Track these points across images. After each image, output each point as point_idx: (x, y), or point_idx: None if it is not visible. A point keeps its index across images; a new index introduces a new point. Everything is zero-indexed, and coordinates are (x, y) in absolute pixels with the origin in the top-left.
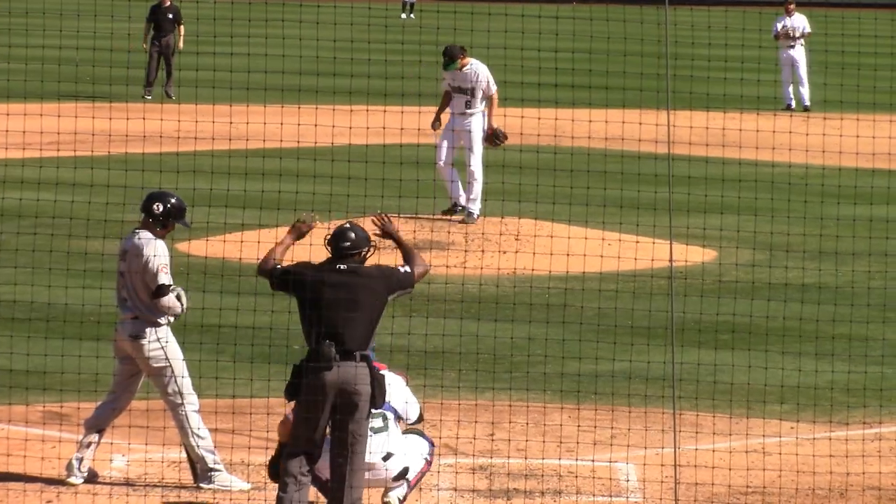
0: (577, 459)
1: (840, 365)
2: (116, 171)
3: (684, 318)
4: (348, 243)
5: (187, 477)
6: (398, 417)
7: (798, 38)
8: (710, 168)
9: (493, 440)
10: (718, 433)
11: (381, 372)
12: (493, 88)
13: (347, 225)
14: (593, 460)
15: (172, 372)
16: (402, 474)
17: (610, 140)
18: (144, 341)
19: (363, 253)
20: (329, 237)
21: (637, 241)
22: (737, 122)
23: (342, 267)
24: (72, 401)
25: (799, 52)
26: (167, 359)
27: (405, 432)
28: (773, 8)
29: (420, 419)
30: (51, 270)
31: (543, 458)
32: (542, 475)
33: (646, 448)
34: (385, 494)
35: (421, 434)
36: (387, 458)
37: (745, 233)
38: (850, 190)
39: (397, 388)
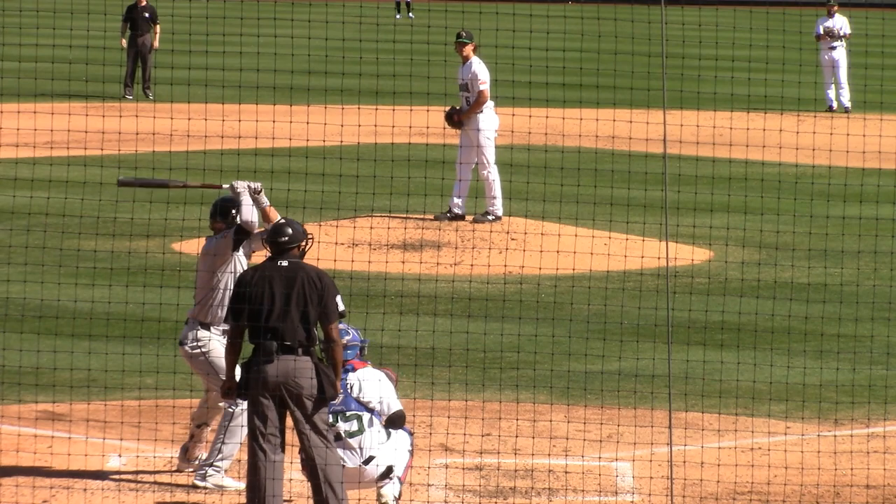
0: (567, 458)
1: (833, 364)
2: (110, 170)
3: (677, 316)
4: (286, 238)
5: (180, 476)
6: (378, 414)
7: (839, 39)
8: (704, 167)
9: (483, 437)
10: (713, 431)
11: (363, 369)
12: (482, 87)
13: (283, 220)
14: (583, 456)
15: (213, 372)
16: (387, 473)
17: (603, 139)
18: (186, 345)
19: (301, 246)
20: (265, 235)
21: (627, 239)
22: (737, 122)
23: (283, 263)
24: (64, 400)
25: (840, 54)
26: (207, 361)
27: (386, 427)
28: (778, 7)
29: (400, 416)
30: (43, 268)
31: (533, 456)
32: (532, 472)
33: (635, 445)
34: (378, 494)
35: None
36: (368, 461)
37: (737, 230)
38: (840, 188)
39: (374, 384)
